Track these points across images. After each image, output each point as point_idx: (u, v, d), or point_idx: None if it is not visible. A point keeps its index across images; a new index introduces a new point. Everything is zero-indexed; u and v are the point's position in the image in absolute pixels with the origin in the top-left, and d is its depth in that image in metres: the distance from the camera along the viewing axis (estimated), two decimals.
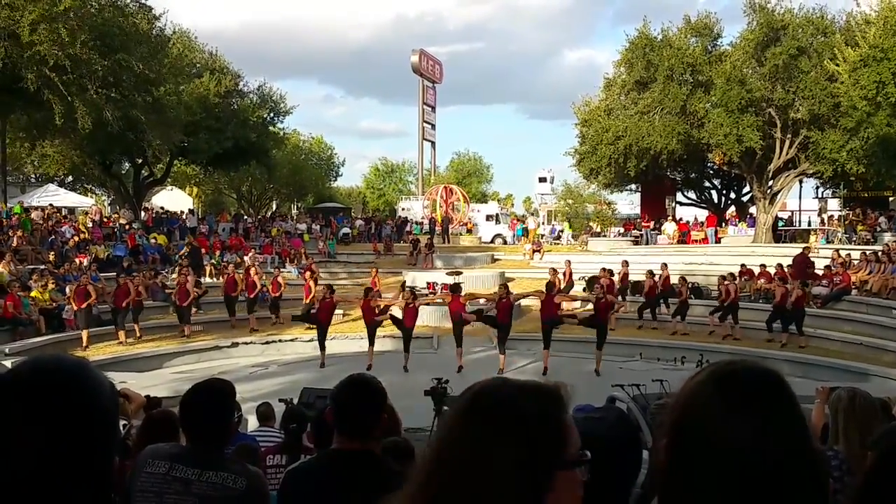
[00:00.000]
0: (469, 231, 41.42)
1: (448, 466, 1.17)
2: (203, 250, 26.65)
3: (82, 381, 1.33)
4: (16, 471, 1.26)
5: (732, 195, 37.46)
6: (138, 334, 19.59)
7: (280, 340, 20.74)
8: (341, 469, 2.73)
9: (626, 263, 24.25)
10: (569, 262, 25.57)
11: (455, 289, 18.62)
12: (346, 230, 35.88)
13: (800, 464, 1.23)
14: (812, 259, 22.87)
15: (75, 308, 18.74)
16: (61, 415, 1.27)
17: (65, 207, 31.04)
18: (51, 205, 29.31)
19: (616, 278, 22.82)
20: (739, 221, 33.58)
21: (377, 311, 18.17)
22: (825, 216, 31.91)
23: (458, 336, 17.72)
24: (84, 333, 18.57)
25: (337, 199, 59.87)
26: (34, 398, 1.28)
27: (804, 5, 28.42)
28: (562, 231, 41.10)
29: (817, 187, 34.16)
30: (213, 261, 25.86)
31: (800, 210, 36.93)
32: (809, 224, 34.16)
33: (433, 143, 57.94)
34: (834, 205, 33.26)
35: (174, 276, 22.02)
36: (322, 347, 18.22)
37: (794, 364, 17.28)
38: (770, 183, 30.00)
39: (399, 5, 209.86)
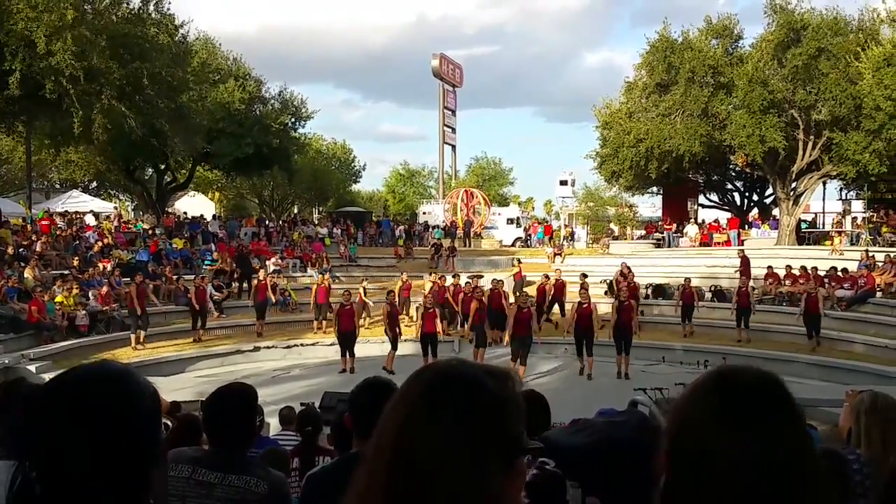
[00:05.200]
0: (478, 235, 40.79)
1: (410, 454, 1.08)
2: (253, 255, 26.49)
3: (125, 387, 1.37)
4: (63, 473, 1.29)
5: (755, 197, 37.15)
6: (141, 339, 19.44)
7: (302, 345, 20.83)
8: None
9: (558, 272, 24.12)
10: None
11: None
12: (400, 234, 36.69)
13: (804, 474, 1.17)
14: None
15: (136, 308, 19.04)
16: (104, 419, 1.30)
17: (90, 212, 31.25)
18: (77, 212, 29.59)
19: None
20: (762, 224, 33.28)
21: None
22: (849, 218, 31.52)
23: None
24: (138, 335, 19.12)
25: (358, 204, 59.89)
26: (79, 403, 1.32)
27: (826, 4, 28.03)
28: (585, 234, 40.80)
29: (841, 189, 33.77)
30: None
31: (823, 212, 36.50)
32: (833, 226, 33.77)
33: (454, 147, 57.91)
34: (858, 206, 32.85)
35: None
36: (342, 353, 18.18)
37: (819, 368, 17.20)
38: (793, 185, 29.73)
39: (420, 8, 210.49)
